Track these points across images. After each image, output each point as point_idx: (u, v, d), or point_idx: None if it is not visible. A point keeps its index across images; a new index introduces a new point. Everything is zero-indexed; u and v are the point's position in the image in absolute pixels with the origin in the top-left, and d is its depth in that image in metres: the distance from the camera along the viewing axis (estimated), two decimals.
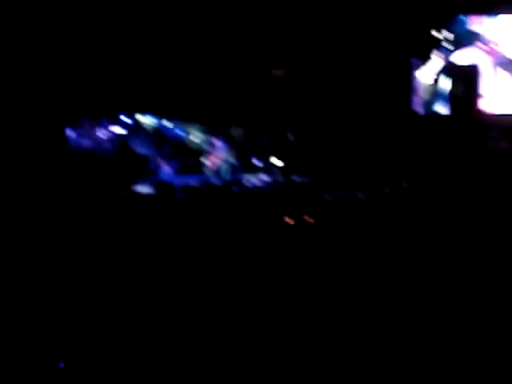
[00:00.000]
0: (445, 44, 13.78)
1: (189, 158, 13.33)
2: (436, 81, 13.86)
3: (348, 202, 9.52)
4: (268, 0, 13.43)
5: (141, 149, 13.36)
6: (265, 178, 12.78)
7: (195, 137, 13.47)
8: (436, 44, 13.82)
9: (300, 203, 9.49)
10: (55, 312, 5.38)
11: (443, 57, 13.73)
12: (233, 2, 13.35)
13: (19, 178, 10.75)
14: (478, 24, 13.67)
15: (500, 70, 13.29)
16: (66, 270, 6.41)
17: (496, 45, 13.47)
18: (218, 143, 12.83)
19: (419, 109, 13.92)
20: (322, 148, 13.34)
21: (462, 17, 13.71)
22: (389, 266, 6.28)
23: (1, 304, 5.44)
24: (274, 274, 6.20)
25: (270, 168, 12.97)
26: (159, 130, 13.50)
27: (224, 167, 12.75)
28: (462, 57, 13.64)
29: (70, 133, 12.57)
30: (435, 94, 13.91)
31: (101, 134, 12.81)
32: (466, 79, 12.92)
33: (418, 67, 13.91)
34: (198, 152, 13.19)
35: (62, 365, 4.61)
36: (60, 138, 12.35)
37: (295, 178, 12.48)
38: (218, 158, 12.74)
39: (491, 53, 13.49)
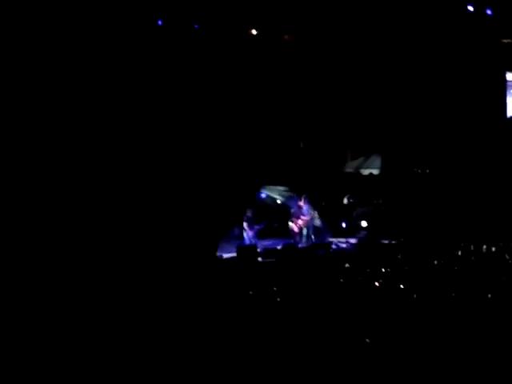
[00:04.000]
0: None
1: (273, 221, 13.16)
2: None
3: (440, 266, 9.12)
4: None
5: None
6: (351, 240, 12.44)
7: (279, 200, 13.34)
8: None
9: (387, 266, 9.16)
10: None
11: None
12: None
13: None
14: None
15: None
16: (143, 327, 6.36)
17: None
18: (303, 205, 12.56)
19: None
20: (411, 209, 13.02)
21: None
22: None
23: None
24: (357, 338, 5.95)
25: (356, 230, 12.67)
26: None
27: (309, 230, 12.49)
28: None
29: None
30: None
31: None
32: None
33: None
34: (283, 215, 13.01)
35: None
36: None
37: (383, 240, 12.11)
38: (303, 220, 12.48)
39: None
